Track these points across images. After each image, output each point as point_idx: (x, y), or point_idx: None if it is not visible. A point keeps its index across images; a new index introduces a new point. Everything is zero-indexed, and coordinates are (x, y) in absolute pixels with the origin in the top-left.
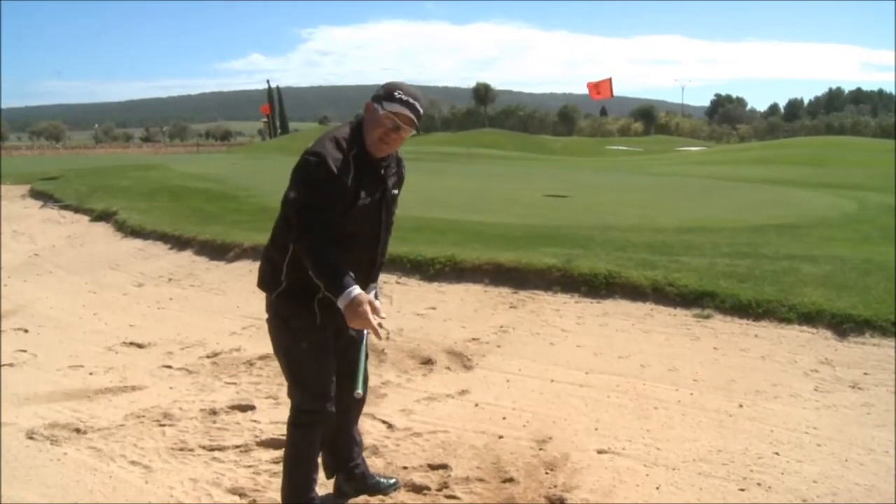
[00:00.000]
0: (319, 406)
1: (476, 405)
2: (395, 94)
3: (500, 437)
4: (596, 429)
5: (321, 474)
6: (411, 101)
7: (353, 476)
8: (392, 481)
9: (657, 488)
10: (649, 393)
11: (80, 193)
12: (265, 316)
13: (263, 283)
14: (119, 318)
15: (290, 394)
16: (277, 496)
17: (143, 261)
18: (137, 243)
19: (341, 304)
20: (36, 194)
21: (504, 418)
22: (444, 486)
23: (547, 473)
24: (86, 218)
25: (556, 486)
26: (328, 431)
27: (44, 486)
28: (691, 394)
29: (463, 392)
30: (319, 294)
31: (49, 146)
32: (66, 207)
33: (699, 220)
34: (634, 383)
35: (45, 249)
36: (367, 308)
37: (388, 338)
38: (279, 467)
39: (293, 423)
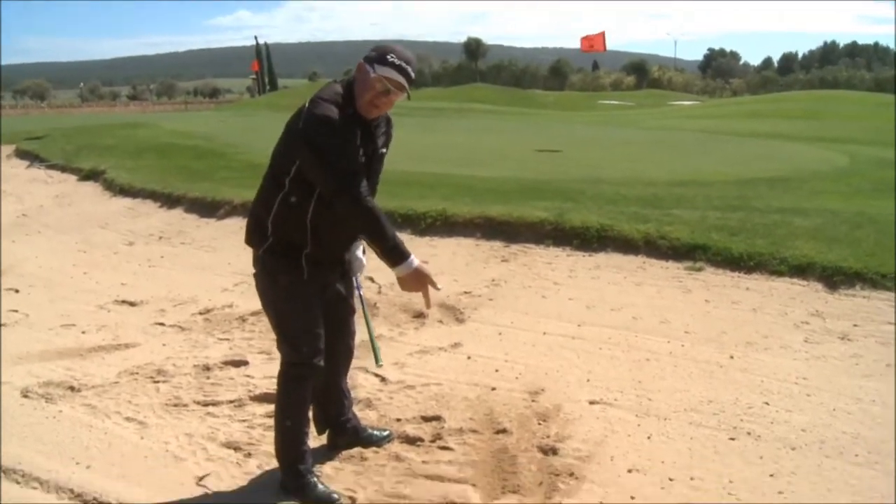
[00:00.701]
0: (308, 359)
1: (468, 358)
2: (388, 57)
3: (493, 388)
4: (588, 380)
5: (313, 429)
6: (403, 65)
7: (344, 431)
8: (385, 433)
9: (648, 438)
10: (641, 345)
11: (66, 153)
12: (253, 272)
13: (250, 239)
14: (110, 277)
15: (280, 348)
16: (272, 449)
17: (133, 219)
18: (126, 202)
19: (403, 271)
20: (21, 154)
21: (497, 370)
22: (438, 437)
23: (539, 424)
24: (73, 177)
25: (548, 437)
26: (318, 388)
27: (39, 443)
28: (683, 345)
29: (455, 345)
30: (307, 249)
31: (34, 105)
32: (52, 167)
33: (691, 173)
34: (626, 335)
35: (32, 209)
36: (430, 277)
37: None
38: (273, 421)
39: (283, 377)
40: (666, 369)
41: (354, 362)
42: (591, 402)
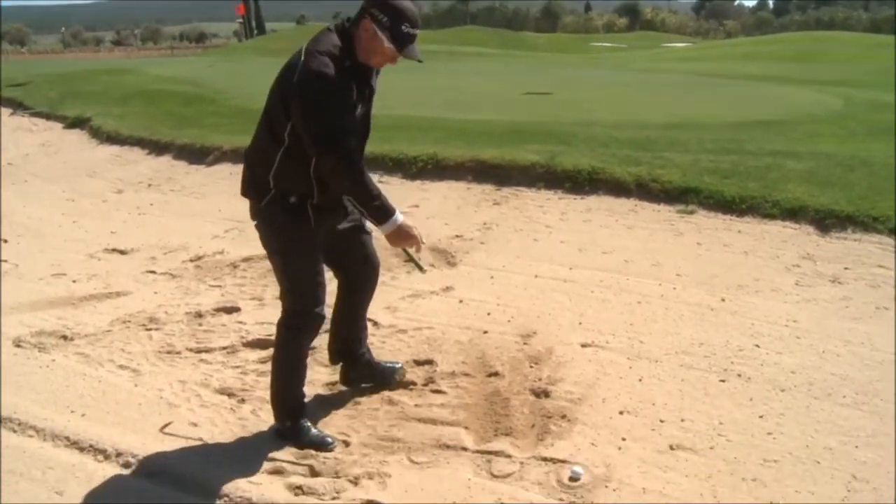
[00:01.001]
0: (311, 309)
1: (460, 301)
2: (403, 28)
3: (485, 332)
4: (580, 323)
5: (318, 368)
6: (415, 33)
7: (358, 363)
8: (398, 365)
9: (640, 380)
10: (633, 287)
11: (50, 100)
12: (247, 218)
13: (249, 193)
14: (99, 225)
15: (284, 297)
16: (265, 395)
17: (121, 167)
18: (114, 149)
19: (387, 229)
20: (3, 101)
21: (488, 314)
22: (430, 381)
23: (531, 367)
24: (59, 125)
25: (540, 379)
26: (336, 318)
27: (34, 392)
28: (674, 288)
29: (447, 289)
30: (312, 200)
31: (13, 51)
32: (37, 115)
33: (684, 116)
34: (618, 278)
35: (18, 158)
36: (416, 230)
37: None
38: (266, 367)
39: (284, 325)
40: (657, 312)
41: None
42: (583, 345)
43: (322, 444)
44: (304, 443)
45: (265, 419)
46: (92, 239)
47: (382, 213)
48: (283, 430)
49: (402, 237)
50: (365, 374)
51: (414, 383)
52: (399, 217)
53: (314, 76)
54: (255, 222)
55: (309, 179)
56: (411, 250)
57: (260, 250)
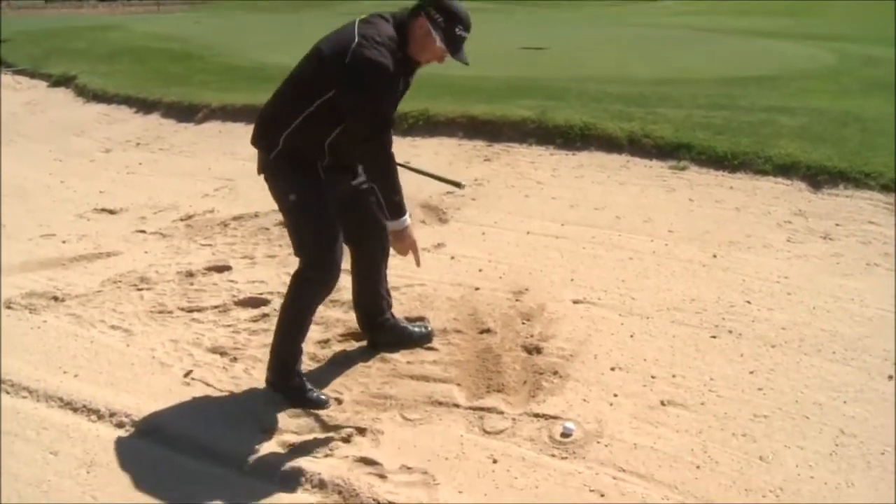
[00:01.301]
0: (327, 263)
1: (452, 258)
2: (457, 30)
3: (477, 288)
4: (572, 279)
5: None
6: (467, 36)
7: (384, 329)
8: (428, 329)
9: (631, 336)
10: (624, 244)
11: (34, 57)
12: (237, 176)
13: (258, 143)
14: (88, 185)
15: (299, 253)
16: (258, 353)
17: (108, 126)
18: (101, 108)
19: (396, 227)
20: None
21: (480, 270)
22: None
23: (523, 324)
24: (43, 83)
25: (532, 336)
26: (355, 289)
27: (26, 353)
28: (666, 244)
29: (439, 245)
30: (322, 161)
31: None
32: (20, 72)
33: (676, 71)
34: (610, 234)
35: (3, 117)
36: (415, 240)
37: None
38: (258, 325)
39: (299, 280)
40: (649, 268)
41: None
42: (575, 302)
43: (317, 403)
44: (300, 401)
45: (257, 378)
46: (81, 199)
47: (398, 209)
48: (278, 385)
49: (404, 239)
50: (391, 339)
51: None
52: (408, 220)
53: (372, 66)
54: (263, 175)
55: (322, 148)
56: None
57: (250, 208)
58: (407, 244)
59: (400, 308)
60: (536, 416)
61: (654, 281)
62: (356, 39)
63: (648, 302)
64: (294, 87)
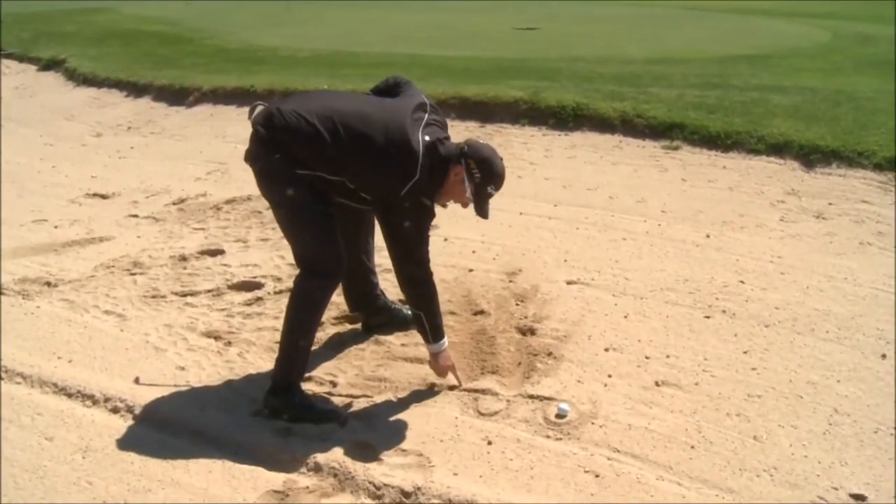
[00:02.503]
0: (332, 269)
1: (445, 240)
2: (489, 189)
3: (470, 270)
4: (565, 260)
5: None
6: (494, 194)
7: (376, 309)
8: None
9: (625, 317)
10: (618, 224)
11: (23, 41)
12: (230, 160)
13: (268, 144)
14: (79, 170)
15: (300, 259)
16: (252, 336)
17: (99, 109)
18: (91, 92)
19: (435, 349)
20: None
21: (473, 252)
22: None
23: (517, 305)
24: (33, 67)
25: (526, 317)
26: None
27: (20, 339)
28: (659, 225)
29: (431, 227)
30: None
31: None
32: (9, 56)
33: (668, 50)
34: (603, 215)
35: None
36: (453, 365)
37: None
38: (252, 309)
39: (303, 290)
40: (643, 248)
41: None
42: (569, 283)
43: (329, 417)
44: (311, 419)
45: (252, 361)
46: (72, 184)
47: (439, 332)
48: (280, 403)
49: (444, 361)
50: (385, 321)
51: None
52: (446, 342)
53: (425, 211)
54: (254, 165)
55: (327, 193)
56: None
57: (243, 192)
58: (446, 366)
59: (393, 290)
60: (531, 397)
61: (648, 261)
62: (417, 175)
63: (642, 282)
64: (333, 142)
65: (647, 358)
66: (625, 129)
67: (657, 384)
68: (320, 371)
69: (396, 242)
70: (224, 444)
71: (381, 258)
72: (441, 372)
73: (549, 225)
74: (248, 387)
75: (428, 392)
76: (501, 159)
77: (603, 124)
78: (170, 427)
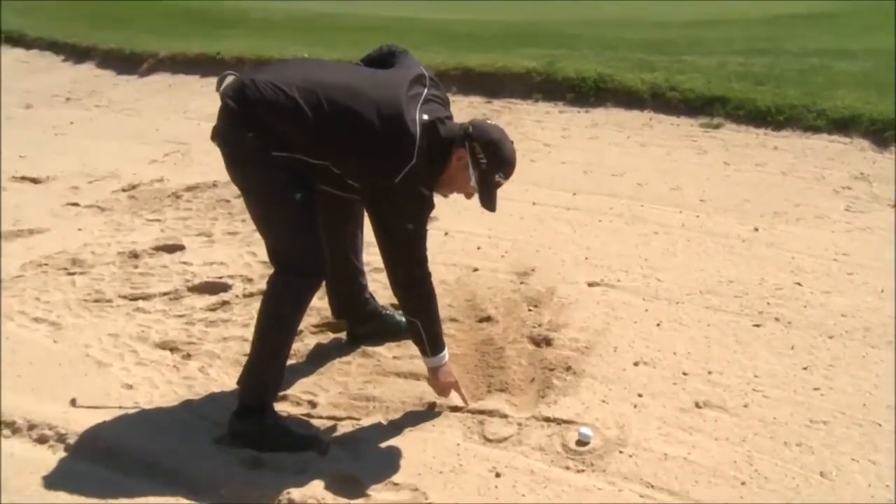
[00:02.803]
0: (312, 268)
1: (446, 234)
2: (497, 177)
3: (475, 269)
4: (586, 258)
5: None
6: (503, 184)
7: (364, 315)
8: None
9: (658, 325)
10: (648, 216)
11: None
12: (191, 139)
13: (241, 119)
14: (4, 149)
15: (274, 257)
16: (216, 348)
17: (29, 76)
18: (18, 54)
19: (434, 363)
20: None
21: (478, 248)
22: None
23: (530, 311)
24: None
25: (540, 325)
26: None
27: None
28: (697, 216)
29: (430, 219)
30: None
31: None
32: None
33: (708, 11)
34: (630, 205)
35: None
36: (456, 382)
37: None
38: (216, 315)
39: (278, 293)
40: (678, 244)
41: None
42: (590, 284)
43: (308, 444)
44: (287, 446)
45: (215, 378)
46: None
47: (438, 343)
48: (252, 429)
49: (444, 377)
50: (374, 329)
51: None
52: (446, 355)
53: (428, 192)
54: (223, 146)
55: (308, 178)
56: None
57: (207, 177)
58: (447, 383)
59: (385, 293)
60: (546, 420)
61: (684, 259)
62: (413, 160)
63: (677, 284)
64: (316, 120)
65: (684, 374)
66: (656, 105)
67: (698, 406)
68: (297, 389)
69: (389, 238)
70: (180, 479)
71: (371, 255)
72: (441, 390)
73: (567, 217)
74: (211, 408)
75: (425, 414)
76: (512, 142)
77: (630, 99)
78: (113, 459)
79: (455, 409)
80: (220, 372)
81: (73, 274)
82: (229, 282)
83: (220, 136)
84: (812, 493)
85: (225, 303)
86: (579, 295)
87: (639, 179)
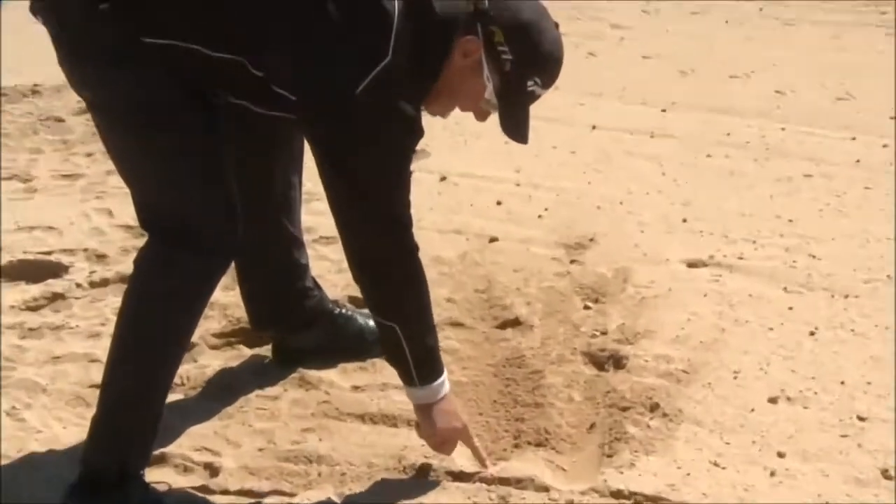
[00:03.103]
0: (223, 236)
1: (442, 179)
2: (528, 84)
3: (493, 239)
4: (684, 220)
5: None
6: (540, 95)
7: (301, 316)
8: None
9: (812, 333)
10: (793, 147)
11: None
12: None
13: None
14: None
15: (147, 210)
16: (40, 376)
17: None
18: None
19: (421, 397)
20: None
21: (499, 203)
22: None
23: (587, 308)
24: None
25: (604, 333)
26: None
27: None
28: (885, 145)
29: (416, 155)
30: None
31: None
32: None
33: None
34: (763, 128)
35: None
36: (464, 429)
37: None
38: (42, 319)
39: (153, 277)
40: (848, 196)
41: None
42: (691, 265)
43: None
44: None
45: (36, 426)
46: None
47: (429, 366)
48: (102, 490)
49: (440, 424)
50: (319, 336)
51: None
52: (446, 385)
53: (416, 127)
54: (47, 26)
55: (208, 85)
56: None
57: (24, 78)
58: (448, 431)
59: (341, 279)
60: (616, 496)
61: (861, 224)
62: (388, 56)
63: (847, 264)
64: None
65: (861, 420)
66: None
67: (886, 475)
68: (187, 443)
69: (346, 188)
70: None
71: (316, 216)
72: (438, 443)
73: (650, 150)
74: (28, 480)
75: (409, 485)
76: (557, 25)
77: None
78: None
79: (461, 476)
80: (47, 416)
81: None
82: (65, 260)
83: (48, 7)
84: None
85: (58, 297)
86: (672, 283)
87: (778, 84)
